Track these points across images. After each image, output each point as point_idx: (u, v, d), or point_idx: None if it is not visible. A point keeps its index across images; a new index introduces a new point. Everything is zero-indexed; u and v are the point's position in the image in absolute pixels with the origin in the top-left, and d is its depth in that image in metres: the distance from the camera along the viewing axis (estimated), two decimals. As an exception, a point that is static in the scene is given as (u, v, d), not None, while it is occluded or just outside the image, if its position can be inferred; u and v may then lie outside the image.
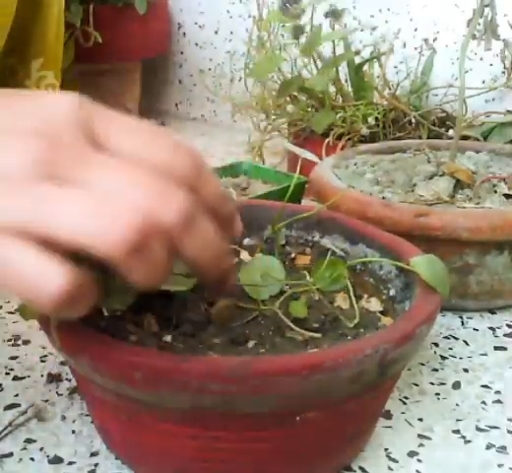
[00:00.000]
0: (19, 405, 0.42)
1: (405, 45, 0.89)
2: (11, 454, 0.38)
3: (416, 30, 0.89)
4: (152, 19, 1.04)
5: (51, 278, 0.26)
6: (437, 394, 0.43)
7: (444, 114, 0.78)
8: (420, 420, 0.41)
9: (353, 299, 0.39)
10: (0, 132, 0.28)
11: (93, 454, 0.38)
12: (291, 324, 0.36)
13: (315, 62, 0.74)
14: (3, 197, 0.26)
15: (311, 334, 0.36)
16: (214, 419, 0.31)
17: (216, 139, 1.05)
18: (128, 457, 0.36)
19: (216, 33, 1.10)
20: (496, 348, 0.48)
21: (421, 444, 0.39)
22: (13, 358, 0.47)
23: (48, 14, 0.75)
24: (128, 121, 0.32)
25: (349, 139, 0.72)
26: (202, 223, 0.28)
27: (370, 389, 0.33)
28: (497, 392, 0.44)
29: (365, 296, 0.40)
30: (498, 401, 0.43)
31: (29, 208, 0.26)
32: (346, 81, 0.77)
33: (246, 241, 0.46)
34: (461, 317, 0.52)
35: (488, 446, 0.39)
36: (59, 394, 0.43)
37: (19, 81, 0.82)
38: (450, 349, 0.48)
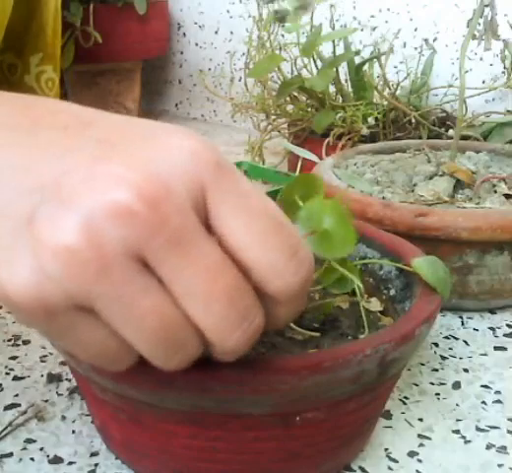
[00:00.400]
0: (19, 405, 0.42)
1: (405, 45, 0.89)
2: (11, 454, 0.38)
3: (415, 30, 0.89)
4: (151, 19, 1.05)
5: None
6: (437, 394, 0.43)
7: (444, 114, 0.78)
8: (420, 420, 0.41)
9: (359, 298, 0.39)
10: (94, 175, 0.23)
11: (93, 454, 0.38)
12: (292, 324, 0.36)
13: (315, 62, 0.74)
14: (76, 270, 0.23)
15: (311, 334, 0.36)
16: (214, 419, 0.31)
17: (216, 139, 1.05)
18: (128, 457, 0.36)
19: (216, 33, 1.10)
20: (496, 348, 0.48)
21: (421, 444, 0.39)
22: (13, 358, 0.47)
23: (45, 9, 0.75)
24: (249, 199, 0.25)
25: (349, 139, 0.72)
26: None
27: (370, 389, 0.33)
28: (497, 392, 0.44)
29: (365, 296, 0.40)
30: (498, 401, 0.43)
31: (107, 299, 0.24)
32: (346, 81, 0.77)
33: None
34: (461, 317, 0.52)
35: (488, 446, 0.39)
36: (59, 394, 0.43)
37: (18, 76, 0.82)
38: (450, 349, 0.48)
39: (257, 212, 0.25)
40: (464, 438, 0.40)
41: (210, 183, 0.24)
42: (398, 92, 0.77)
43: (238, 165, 0.64)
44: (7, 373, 0.45)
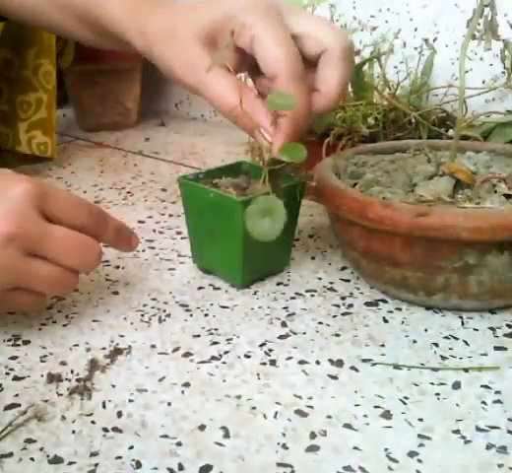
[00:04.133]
0: (19, 405, 0.42)
1: (405, 45, 0.89)
2: (11, 454, 0.38)
3: (416, 30, 0.89)
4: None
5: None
6: (437, 394, 0.43)
7: (444, 114, 0.78)
8: (420, 420, 0.41)
9: None
10: None
11: (92, 454, 0.38)
12: None
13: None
14: None
15: None
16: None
17: (216, 139, 1.05)
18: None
19: (216, 32, 1.09)
20: (496, 348, 0.48)
21: (421, 444, 0.39)
22: (13, 358, 0.47)
23: None
24: (66, 198, 0.47)
25: (349, 139, 0.72)
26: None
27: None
28: (497, 392, 0.44)
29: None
30: (498, 401, 0.43)
31: (16, 276, 0.45)
32: (346, 81, 0.77)
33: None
34: (461, 317, 0.52)
35: (488, 446, 0.39)
36: (59, 394, 0.43)
37: (15, 70, 0.82)
38: (450, 349, 0.48)
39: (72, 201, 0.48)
40: (464, 438, 0.40)
41: (45, 195, 0.45)
42: (398, 92, 0.77)
43: (238, 164, 0.63)
44: (7, 373, 0.45)
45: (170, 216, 0.74)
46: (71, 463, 0.38)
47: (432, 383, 0.44)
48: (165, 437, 0.40)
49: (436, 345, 0.49)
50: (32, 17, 0.65)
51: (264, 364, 0.47)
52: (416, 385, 0.44)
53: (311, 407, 0.42)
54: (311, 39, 0.49)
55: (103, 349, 0.48)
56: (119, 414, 0.41)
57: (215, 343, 0.49)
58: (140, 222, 0.72)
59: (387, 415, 0.41)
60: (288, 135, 0.47)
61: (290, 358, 0.47)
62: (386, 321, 0.52)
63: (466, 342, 0.49)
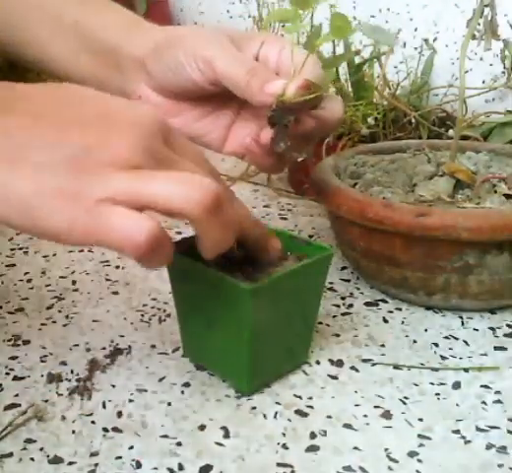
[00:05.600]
0: (19, 405, 0.42)
1: (405, 45, 0.89)
2: (11, 454, 0.38)
3: (416, 30, 0.89)
4: (152, 19, 1.04)
5: (136, 230, 0.32)
6: (437, 394, 0.43)
7: (444, 114, 0.78)
8: (420, 420, 0.41)
9: None
10: (111, 123, 0.35)
11: (92, 454, 0.38)
12: None
13: (315, 62, 0.74)
14: (118, 174, 0.33)
15: None
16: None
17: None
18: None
19: (216, 33, 1.09)
20: (496, 348, 0.48)
21: (421, 444, 0.39)
22: (13, 358, 0.47)
23: None
24: (192, 148, 0.38)
25: (349, 139, 0.72)
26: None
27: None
28: (497, 392, 0.44)
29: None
30: (498, 401, 0.43)
31: (139, 185, 0.33)
32: (346, 81, 0.77)
33: None
34: (461, 317, 0.52)
35: (488, 446, 0.39)
36: (59, 394, 0.43)
37: (20, 73, 0.82)
38: (450, 349, 0.48)
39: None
40: (464, 438, 0.40)
41: (168, 135, 0.36)
42: (398, 92, 0.77)
43: None
44: (7, 374, 0.45)
45: (170, 216, 0.74)
46: (71, 463, 0.37)
47: (432, 383, 0.44)
48: (165, 437, 0.40)
49: (436, 345, 0.49)
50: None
51: (264, 364, 0.47)
52: (416, 385, 0.44)
53: (311, 407, 0.42)
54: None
55: (103, 349, 0.48)
56: (119, 414, 0.41)
57: (215, 343, 0.49)
58: (140, 222, 0.72)
59: (387, 415, 0.41)
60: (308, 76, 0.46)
61: (290, 358, 0.47)
62: (386, 321, 0.52)
63: (466, 342, 0.49)
